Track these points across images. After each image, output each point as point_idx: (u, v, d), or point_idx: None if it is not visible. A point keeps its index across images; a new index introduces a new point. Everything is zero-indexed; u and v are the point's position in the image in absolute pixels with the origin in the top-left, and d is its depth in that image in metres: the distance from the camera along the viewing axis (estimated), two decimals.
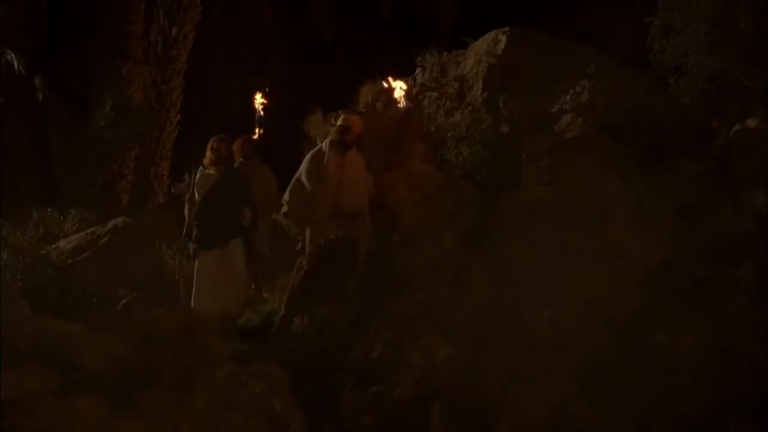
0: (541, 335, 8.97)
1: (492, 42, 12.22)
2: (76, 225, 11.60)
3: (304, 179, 10.18)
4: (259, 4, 21.69)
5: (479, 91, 11.87)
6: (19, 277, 8.56)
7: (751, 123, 10.87)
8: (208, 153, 10.47)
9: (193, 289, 10.10)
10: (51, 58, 16.55)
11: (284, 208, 10.31)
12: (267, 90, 11.47)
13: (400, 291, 8.84)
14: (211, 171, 10.36)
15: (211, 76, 20.45)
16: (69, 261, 10.04)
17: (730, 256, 9.84)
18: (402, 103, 10.61)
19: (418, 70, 12.90)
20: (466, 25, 14.61)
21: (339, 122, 10.43)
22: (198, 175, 10.38)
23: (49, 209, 12.18)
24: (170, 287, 10.32)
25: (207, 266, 10.06)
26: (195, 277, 10.10)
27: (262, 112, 11.54)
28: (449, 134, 11.58)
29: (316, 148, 10.51)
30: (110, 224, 10.77)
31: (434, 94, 12.37)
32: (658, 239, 10.07)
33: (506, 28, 12.32)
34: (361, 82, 12.94)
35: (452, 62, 12.60)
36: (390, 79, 10.92)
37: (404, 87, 10.78)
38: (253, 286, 10.64)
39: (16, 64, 14.36)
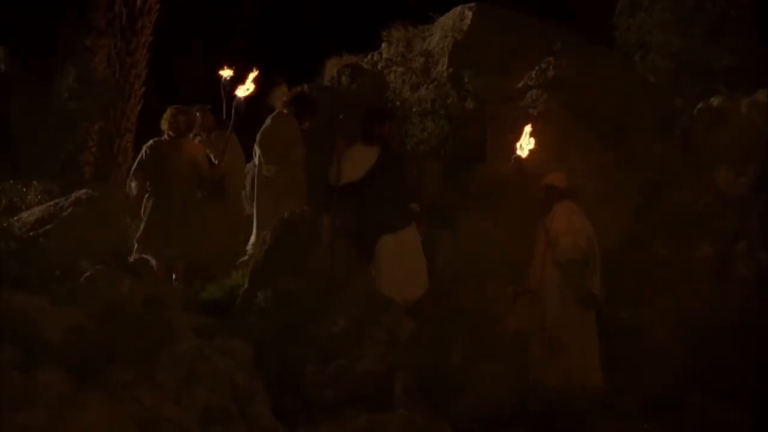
0: (503, 311, 9.03)
1: (458, 17, 12.18)
2: (39, 197, 11.47)
3: None
4: None
5: (445, 66, 11.84)
6: None
7: (715, 101, 10.95)
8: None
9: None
10: (13, 29, 16.34)
11: None
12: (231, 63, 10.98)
13: (363, 265, 8.85)
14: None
15: (175, 48, 20.31)
16: (31, 233, 9.91)
17: (693, 233, 9.93)
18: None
19: (383, 45, 12.86)
20: None
21: (545, 180, 9.18)
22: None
23: (12, 181, 12.03)
24: (133, 260, 10.22)
25: (388, 249, 9.14)
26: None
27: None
28: (414, 109, 11.57)
29: None
30: (73, 196, 10.61)
31: (400, 69, 12.33)
32: (621, 216, 10.14)
33: (472, 4, 12.28)
34: (327, 56, 12.90)
35: (418, 37, 12.56)
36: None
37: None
38: None
39: None
